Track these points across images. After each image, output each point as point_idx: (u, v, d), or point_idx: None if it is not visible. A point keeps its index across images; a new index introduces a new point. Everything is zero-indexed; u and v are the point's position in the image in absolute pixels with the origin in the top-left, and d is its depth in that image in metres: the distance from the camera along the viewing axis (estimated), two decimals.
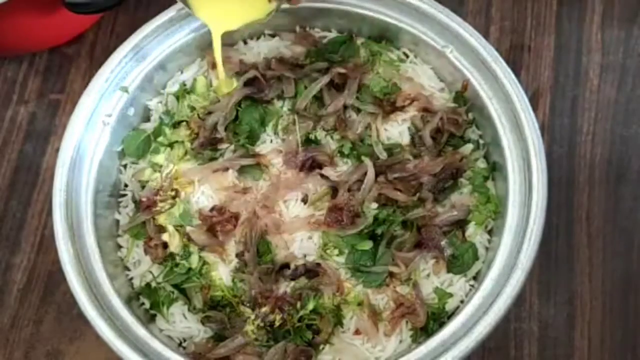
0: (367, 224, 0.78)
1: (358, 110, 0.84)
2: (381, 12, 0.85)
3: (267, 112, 0.85)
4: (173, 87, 0.88)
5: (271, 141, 0.84)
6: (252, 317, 0.78)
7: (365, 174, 0.80)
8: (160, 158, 0.85)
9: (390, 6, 0.84)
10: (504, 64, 0.80)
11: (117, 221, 0.85)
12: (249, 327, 0.77)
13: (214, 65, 0.87)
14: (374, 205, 0.80)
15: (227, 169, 0.82)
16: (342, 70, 0.84)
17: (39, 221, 0.92)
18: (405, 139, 0.84)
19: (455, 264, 0.79)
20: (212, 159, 0.84)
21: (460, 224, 0.81)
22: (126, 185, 0.86)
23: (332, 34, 0.89)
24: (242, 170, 0.83)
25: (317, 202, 0.81)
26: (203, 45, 0.87)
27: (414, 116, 0.84)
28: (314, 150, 0.82)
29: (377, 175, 0.80)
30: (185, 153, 0.85)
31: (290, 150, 0.82)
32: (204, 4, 0.80)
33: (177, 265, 0.81)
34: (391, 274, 0.79)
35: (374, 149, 0.82)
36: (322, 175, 0.81)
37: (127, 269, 0.84)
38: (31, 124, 0.97)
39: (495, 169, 0.82)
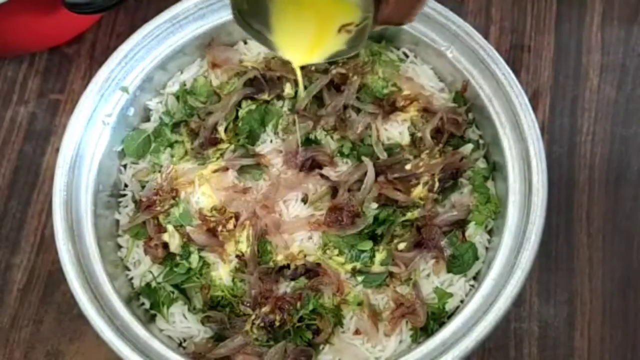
0: (367, 224, 0.78)
1: (358, 110, 0.84)
2: None
3: (267, 112, 0.85)
4: (173, 87, 0.88)
5: (271, 141, 0.84)
6: (252, 317, 0.78)
7: (365, 174, 0.80)
8: (160, 158, 0.85)
9: None
10: (504, 64, 0.80)
11: (117, 221, 0.85)
12: (249, 327, 0.77)
13: (214, 65, 0.87)
14: (374, 205, 0.80)
15: (227, 169, 0.82)
16: (342, 70, 0.84)
17: (39, 221, 0.92)
18: (405, 139, 0.84)
19: (455, 264, 0.79)
20: (212, 159, 0.84)
21: (460, 224, 0.81)
22: (126, 185, 0.86)
23: None
24: (242, 170, 0.83)
25: (317, 202, 0.81)
26: (203, 45, 0.87)
27: (414, 116, 0.84)
28: (314, 150, 0.82)
29: (377, 175, 0.80)
30: (185, 153, 0.85)
31: (290, 150, 0.82)
32: (285, 42, 0.77)
33: (177, 265, 0.81)
34: (391, 274, 0.79)
35: (374, 149, 0.82)
36: (322, 175, 0.81)
37: (127, 269, 0.84)
38: (31, 124, 0.97)
39: (495, 169, 0.82)
